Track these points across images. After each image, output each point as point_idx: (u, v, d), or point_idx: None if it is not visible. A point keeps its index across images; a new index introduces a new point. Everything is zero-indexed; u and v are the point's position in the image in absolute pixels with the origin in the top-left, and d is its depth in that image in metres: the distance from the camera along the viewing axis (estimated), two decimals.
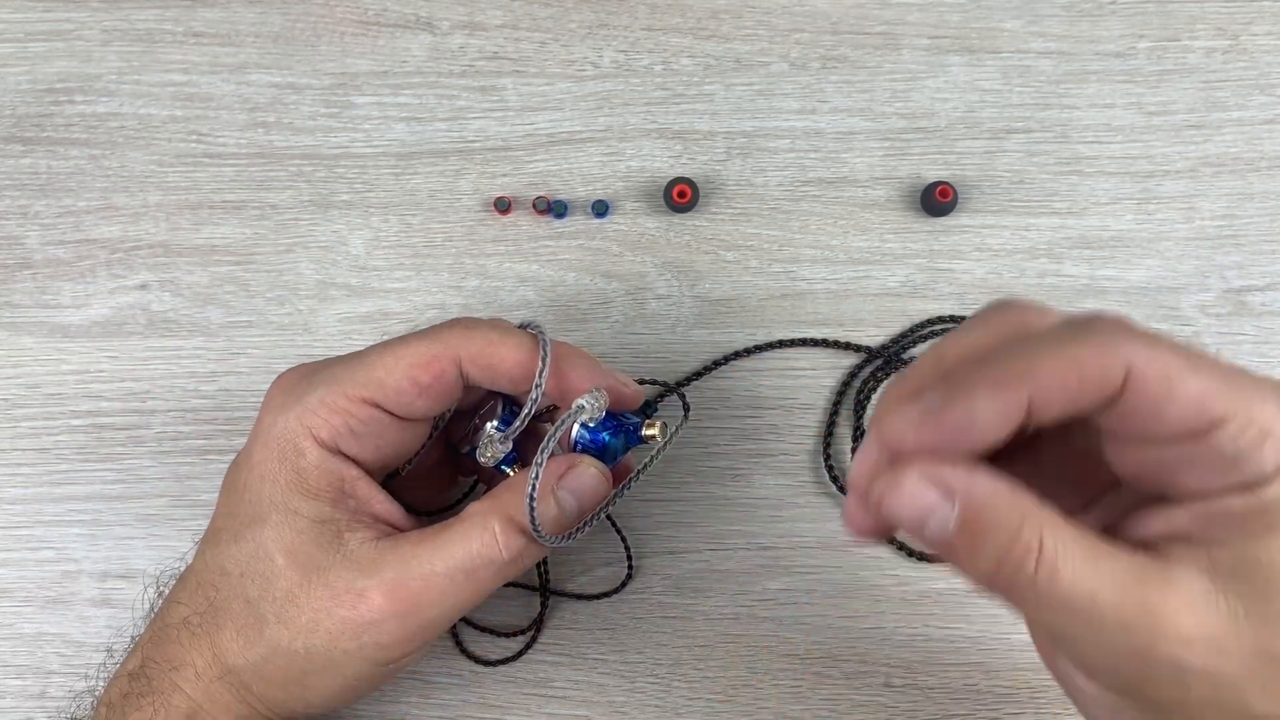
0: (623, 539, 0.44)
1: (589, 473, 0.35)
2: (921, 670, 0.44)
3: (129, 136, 0.48)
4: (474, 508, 0.34)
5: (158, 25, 0.49)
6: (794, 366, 0.46)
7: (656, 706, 0.44)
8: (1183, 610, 0.26)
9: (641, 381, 0.40)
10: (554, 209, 0.47)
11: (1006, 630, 0.44)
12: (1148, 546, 0.28)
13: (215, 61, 0.49)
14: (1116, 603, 0.26)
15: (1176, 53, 0.49)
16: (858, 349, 0.46)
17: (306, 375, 0.35)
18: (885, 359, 0.46)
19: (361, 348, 0.36)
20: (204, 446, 0.45)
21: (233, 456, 0.45)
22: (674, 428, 0.38)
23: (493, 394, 0.37)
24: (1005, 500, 0.26)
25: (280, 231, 0.47)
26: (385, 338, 0.37)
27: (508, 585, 0.44)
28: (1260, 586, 0.27)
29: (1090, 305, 0.46)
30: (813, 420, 0.46)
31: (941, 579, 0.45)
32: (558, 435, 0.33)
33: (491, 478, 0.40)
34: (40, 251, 0.47)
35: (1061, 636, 0.28)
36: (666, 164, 0.48)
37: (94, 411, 0.46)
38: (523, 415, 0.34)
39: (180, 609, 0.34)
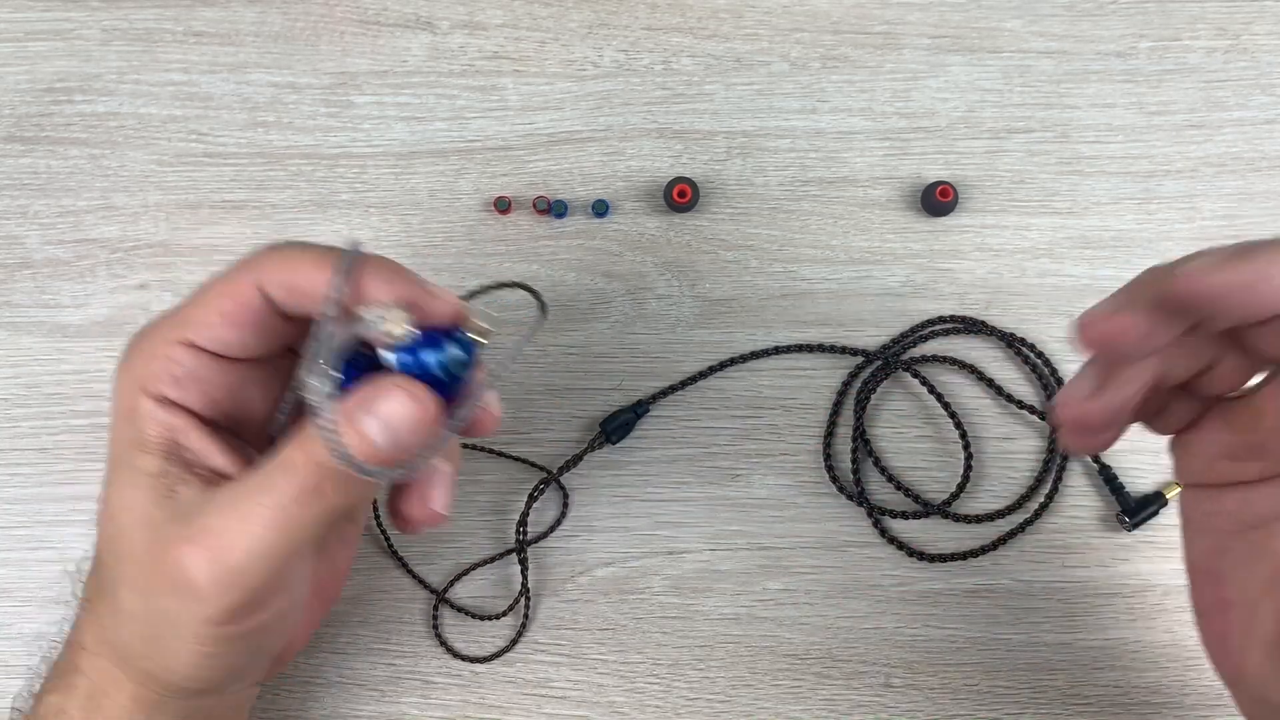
0: (561, 488, 0.44)
1: (396, 396, 0.29)
2: (921, 670, 0.44)
3: (129, 136, 0.48)
4: (286, 445, 0.31)
5: (157, 25, 0.49)
6: (794, 367, 0.46)
7: (656, 706, 0.44)
8: None
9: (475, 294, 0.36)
10: (554, 209, 0.47)
11: (1006, 630, 0.44)
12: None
13: (215, 61, 0.49)
14: None
15: (1177, 52, 0.49)
16: (855, 352, 0.46)
17: (139, 331, 0.33)
18: (885, 362, 0.46)
19: None
20: None
21: None
22: (528, 328, 0.33)
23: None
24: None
25: (280, 231, 0.47)
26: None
27: (487, 564, 0.44)
28: None
29: (1091, 305, 0.46)
30: (813, 421, 0.46)
31: (941, 579, 0.45)
32: (323, 350, 0.29)
33: None
34: (40, 251, 0.47)
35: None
36: (667, 164, 0.48)
37: (94, 411, 0.46)
38: (313, 333, 0.29)
39: (86, 588, 0.35)
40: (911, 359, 0.46)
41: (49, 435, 0.46)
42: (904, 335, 0.46)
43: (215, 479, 0.32)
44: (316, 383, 0.29)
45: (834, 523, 0.45)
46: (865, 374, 0.46)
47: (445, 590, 0.44)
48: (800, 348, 0.46)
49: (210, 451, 0.32)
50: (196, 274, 0.47)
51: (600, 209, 0.47)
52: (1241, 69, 0.49)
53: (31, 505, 0.45)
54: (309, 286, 0.31)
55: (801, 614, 0.44)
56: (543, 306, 0.33)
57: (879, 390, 0.46)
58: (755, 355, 0.46)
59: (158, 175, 0.48)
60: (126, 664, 0.33)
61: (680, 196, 0.46)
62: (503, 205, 0.47)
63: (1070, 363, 0.46)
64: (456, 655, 0.44)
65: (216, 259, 0.47)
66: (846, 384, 0.46)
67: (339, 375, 0.30)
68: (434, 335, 0.31)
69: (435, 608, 0.44)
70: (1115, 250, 0.47)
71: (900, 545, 0.45)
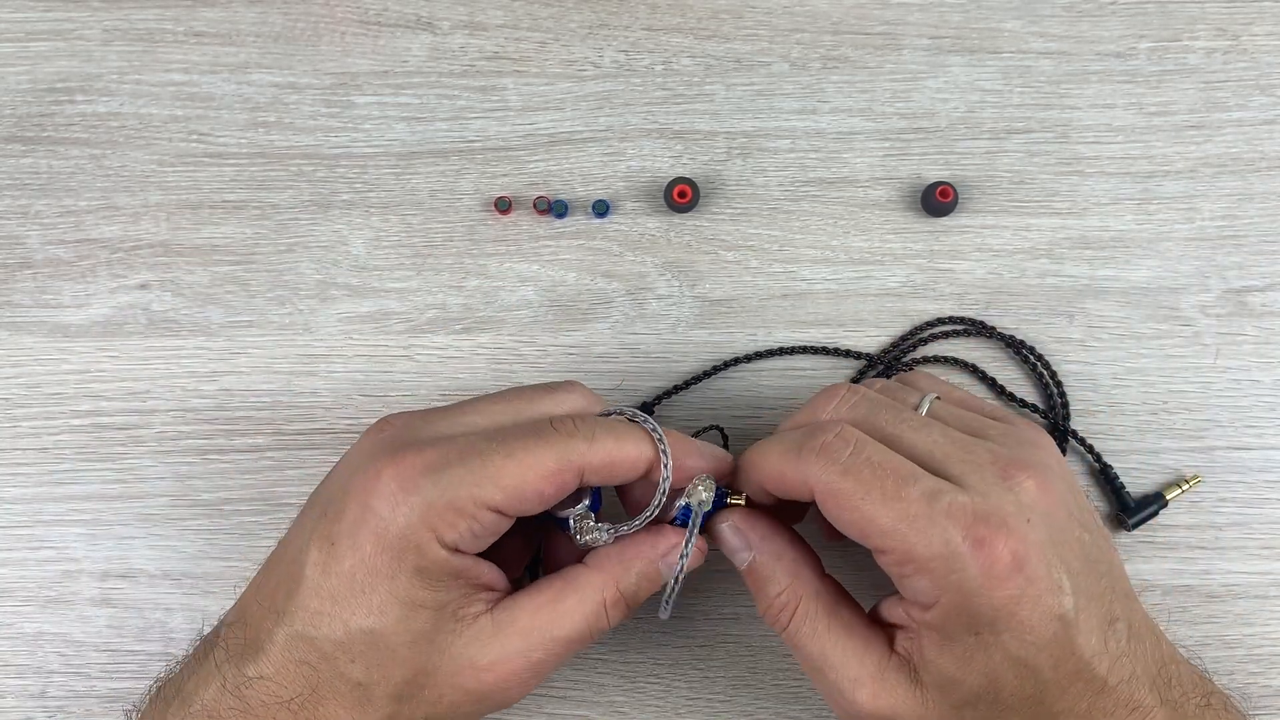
0: None
1: (698, 558, 0.37)
2: None
3: (129, 136, 0.48)
4: (585, 578, 0.36)
5: (158, 25, 0.49)
6: (795, 367, 0.46)
7: (656, 706, 0.44)
8: (883, 691, 0.34)
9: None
10: (554, 209, 0.47)
11: None
12: (890, 628, 0.35)
13: (216, 61, 0.49)
14: (837, 668, 0.34)
15: (1177, 53, 0.49)
16: (856, 356, 0.46)
17: (428, 468, 0.33)
18: (886, 365, 0.46)
19: (457, 413, 0.36)
20: (204, 446, 0.45)
21: (233, 457, 0.45)
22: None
23: None
24: (784, 564, 0.36)
25: (281, 231, 0.47)
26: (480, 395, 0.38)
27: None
28: (942, 683, 0.33)
29: (1091, 305, 0.47)
30: None
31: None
32: (694, 537, 0.36)
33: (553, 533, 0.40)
34: (41, 251, 0.47)
35: (808, 673, 0.36)
36: (667, 164, 0.48)
37: (94, 411, 0.46)
38: (643, 518, 0.36)
39: (269, 686, 0.33)
40: (912, 360, 0.46)
41: (49, 435, 0.46)
42: (904, 336, 0.46)
43: (489, 595, 0.35)
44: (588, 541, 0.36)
45: None
46: (866, 377, 0.46)
47: None
48: (803, 349, 0.46)
49: (482, 573, 0.35)
50: (197, 274, 0.47)
51: (600, 209, 0.47)
52: (1241, 69, 0.49)
53: (32, 505, 0.45)
54: (625, 473, 0.35)
55: None
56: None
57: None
58: (757, 356, 0.46)
59: (159, 175, 0.48)
60: None
61: (680, 197, 0.46)
62: (503, 205, 0.47)
63: (1070, 363, 0.46)
64: None
65: (217, 259, 0.47)
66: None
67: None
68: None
69: None
70: (1115, 250, 0.47)
71: None
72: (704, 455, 0.37)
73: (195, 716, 0.33)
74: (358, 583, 0.33)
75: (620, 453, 0.35)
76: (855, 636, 0.35)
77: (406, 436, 0.35)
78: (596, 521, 0.36)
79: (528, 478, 0.33)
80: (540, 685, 0.37)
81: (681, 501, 0.37)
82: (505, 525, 0.34)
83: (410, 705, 0.34)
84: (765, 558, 0.36)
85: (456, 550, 0.33)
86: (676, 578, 0.36)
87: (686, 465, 0.36)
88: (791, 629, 0.35)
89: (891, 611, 0.35)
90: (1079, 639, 0.32)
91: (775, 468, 0.35)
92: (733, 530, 0.37)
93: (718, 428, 0.45)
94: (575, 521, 0.36)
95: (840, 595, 0.36)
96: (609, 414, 0.37)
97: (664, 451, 0.35)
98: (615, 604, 0.36)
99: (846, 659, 0.34)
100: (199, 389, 0.46)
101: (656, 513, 0.36)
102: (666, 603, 0.37)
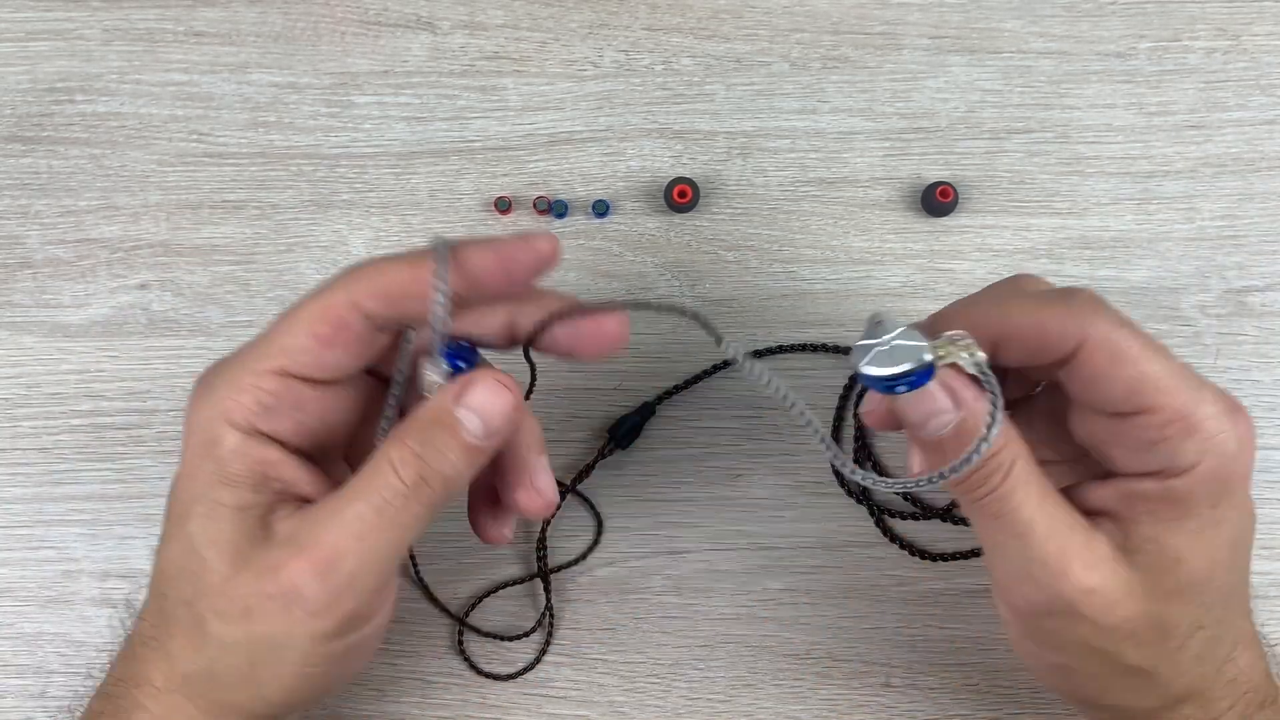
0: (590, 504, 0.44)
1: (487, 385, 0.31)
2: (921, 670, 0.44)
3: (129, 136, 0.48)
4: (380, 445, 0.32)
5: (158, 25, 0.49)
6: (795, 366, 0.46)
7: (656, 706, 0.44)
8: (1090, 568, 0.31)
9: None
10: (554, 209, 0.47)
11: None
12: (1088, 514, 0.32)
13: (216, 61, 0.49)
14: (1044, 539, 0.31)
15: (1177, 53, 0.49)
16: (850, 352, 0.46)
17: (217, 365, 0.33)
18: None
19: None
20: None
21: None
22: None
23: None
24: (1005, 425, 0.30)
25: (281, 231, 0.47)
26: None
27: (508, 586, 0.44)
28: (1157, 565, 0.31)
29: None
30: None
31: (941, 579, 0.45)
32: (439, 340, 0.31)
33: None
34: (40, 251, 0.47)
35: (994, 550, 0.33)
36: (667, 164, 0.48)
37: (94, 411, 0.46)
38: (434, 325, 0.31)
39: (142, 625, 0.34)
40: None
41: (49, 435, 0.46)
42: None
43: (306, 505, 0.32)
44: (434, 373, 0.31)
45: (834, 522, 0.45)
46: None
47: (467, 614, 0.44)
48: (802, 347, 0.46)
49: (300, 480, 0.33)
50: (197, 274, 0.47)
51: (600, 209, 0.47)
52: (1241, 69, 0.49)
53: (32, 505, 0.45)
54: (404, 290, 0.31)
55: (801, 614, 0.44)
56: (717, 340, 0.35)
57: None
58: (757, 354, 0.46)
59: (159, 175, 0.48)
60: (206, 698, 0.33)
61: (680, 197, 0.46)
62: (503, 205, 0.47)
63: None
64: (481, 673, 0.44)
65: (217, 259, 0.47)
66: (849, 384, 0.46)
67: (448, 369, 0.32)
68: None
69: (460, 633, 0.44)
70: (1115, 250, 0.47)
71: (904, 545, 0.45)
72: (527, 243, 0.32)
73: (107, 678, 0.35)
74: (179, 490, 0.33)
75: (389, 269, 0.31)
76: (1061, 507, 0.31)
77: (218, 360, 0.34)
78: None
79: (298, 324, 0.32)
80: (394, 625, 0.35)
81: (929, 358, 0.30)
82: (308, 393, 0.32)
83: (227, 624, 0.31)
84: (978, 418, 0.30)
85: (255, 432, 0.32)
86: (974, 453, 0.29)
87: (506, 257, 0.31)
88: (1004, 490, 0.31)
89: (1089, 497, 0.33)
90: (1249, 546, 0.33)
91: (1034, 316, 0.31)
92: (940, 389, 0.31)
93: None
94: (425, 383, 0.32)
95: (1036, 463, 0.32)
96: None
97: (441, 253, 0.31)
98: (404, 461, 0.31)
99: (1056, 528, 0.31)
100: None
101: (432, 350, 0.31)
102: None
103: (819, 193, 0.48)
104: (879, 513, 0.45)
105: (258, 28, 0.49)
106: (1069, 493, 0.33)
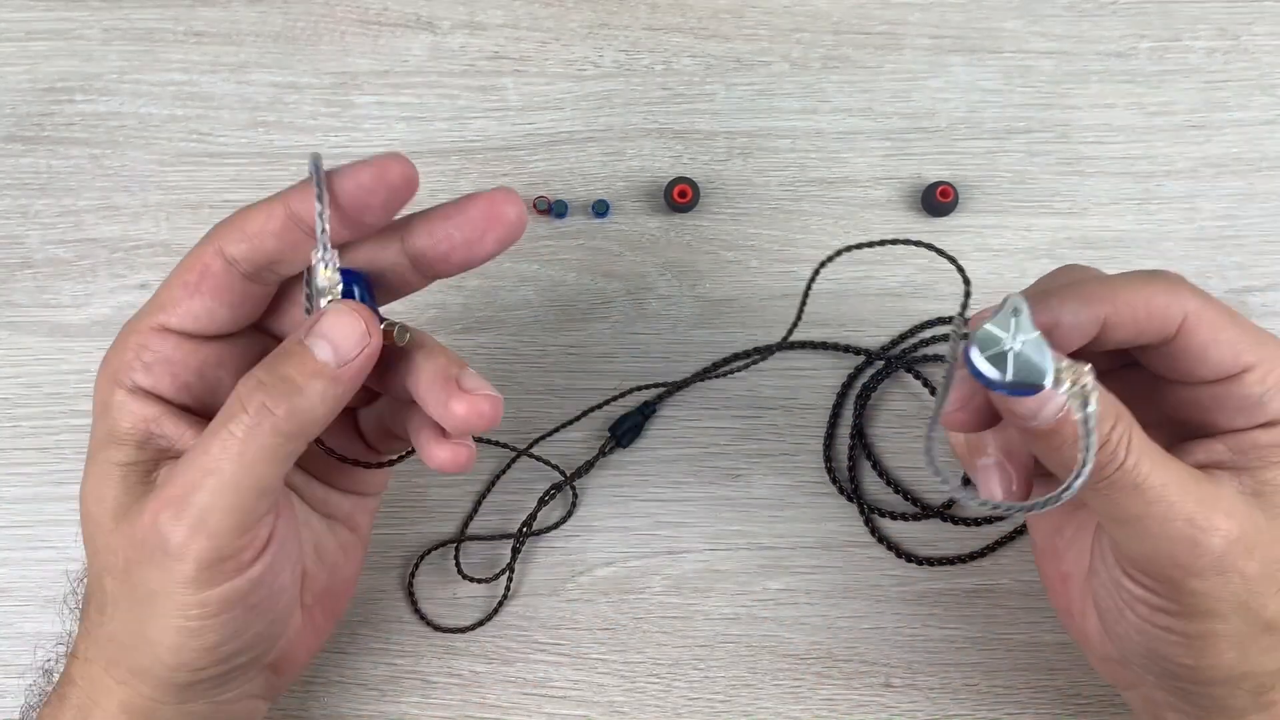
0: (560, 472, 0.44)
1: (333, 311, 0.30)
2: (921, 670, 0.44)
3: (129, 136, 0.48)
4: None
5: (158, 24, 0.49)
6: (795, 366, 0.46)
7: (656, 706, 0.44)
8: (1229, 513, 0.31)
9: None
10: (554, 209, 0.47)
11: (1006, 630, 0.44)
12: (1205, 468, 0.32)
13: (216, 61, 0.49)
14: (1181, 498, 0.30)
15: (1178, 53, 0.49)
16: (858, 351, 0.46)
17: (119, 332, 0.33)
18: (887, 361, 0.46)
19: None
20: None
21: None
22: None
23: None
24: (1105, 397, 0.30)
25: None
26: None
27: (479, 540, 0.44)
28: (1278, 504, 0.32)
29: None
30: (813, 420, 0.46)
31: (941, 579, 0.45)
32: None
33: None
34: (41, 251, 0.47)
35: (1127, 524, 0.31)
36: (667, 164, 0.48)
37: None
38: (323, 255, 0.30)
39: (83, 602, 0.34)
40: (914, 358, 0.46)
41: (49, 435, 0.46)
42: (904, 335, 0.46)
43: None
44: (324, 280, 0.30)
45: (834, 523, 0.45)
46: (866, 375, 0.46)
47: (425, 554, 0.44)
48: (803, 344, 0.46)
49: (185, 436, 0.32)
50: None
51: (600, 209, 0.47)
52: (1242, 69, 0.49)
53: (32, 505, 0.45)
54: (267, 228, 0.31)
55: (801, 614, 0.44)
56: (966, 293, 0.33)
57: (879, 390, 0.46)
58: (758, 352, 0.46)
59: (159, 175, 0.48)
60: (116, 665, 0.32)
61: (681, 196, 0.46)
62: None
63: None
64: (431, 625, 0.44)
65: None
66: (847, 384, 0.46)
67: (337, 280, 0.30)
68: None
69: (415, 565, 0.44)
70: (1116, 250, 0.47)
71: (891, 546, 0.45)
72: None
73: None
74: (88, 463, 0.33)
75: (251, 213, 0.31)
76: (1181, 465, 0.31)
77: None
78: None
79: (170, 280, 0.32)
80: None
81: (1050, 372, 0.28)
82: (189, 347, 0.32)
83: (115, 580, 0.31)
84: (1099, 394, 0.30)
85: (137, 390, 0.32)
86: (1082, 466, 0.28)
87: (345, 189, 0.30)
88: (1130, 461, 0.30)
89: (1198, 454, 0.33)
90: None
91: (1145, 295, 0.32)
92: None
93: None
94: (307, 292, 0.31)
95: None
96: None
97: (316, 172, 0.30)
98: (249, 391, 0.30)
99: (1187, 486, 0.31)
100: None
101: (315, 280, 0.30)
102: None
103: (819, 193, 0.48)
104: (868, 512, 0.45)
105: (258, 28, 0.49)
106: (1183, 446, 0.33)
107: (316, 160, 0.30)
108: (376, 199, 0.31)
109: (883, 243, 0.34)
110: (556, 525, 0.45)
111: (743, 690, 0.44)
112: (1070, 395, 0.28)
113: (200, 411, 0.33)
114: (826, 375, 0.46)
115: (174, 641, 0.31)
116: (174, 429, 0.32)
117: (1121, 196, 0.48)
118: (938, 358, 0.46)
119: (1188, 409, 0.34)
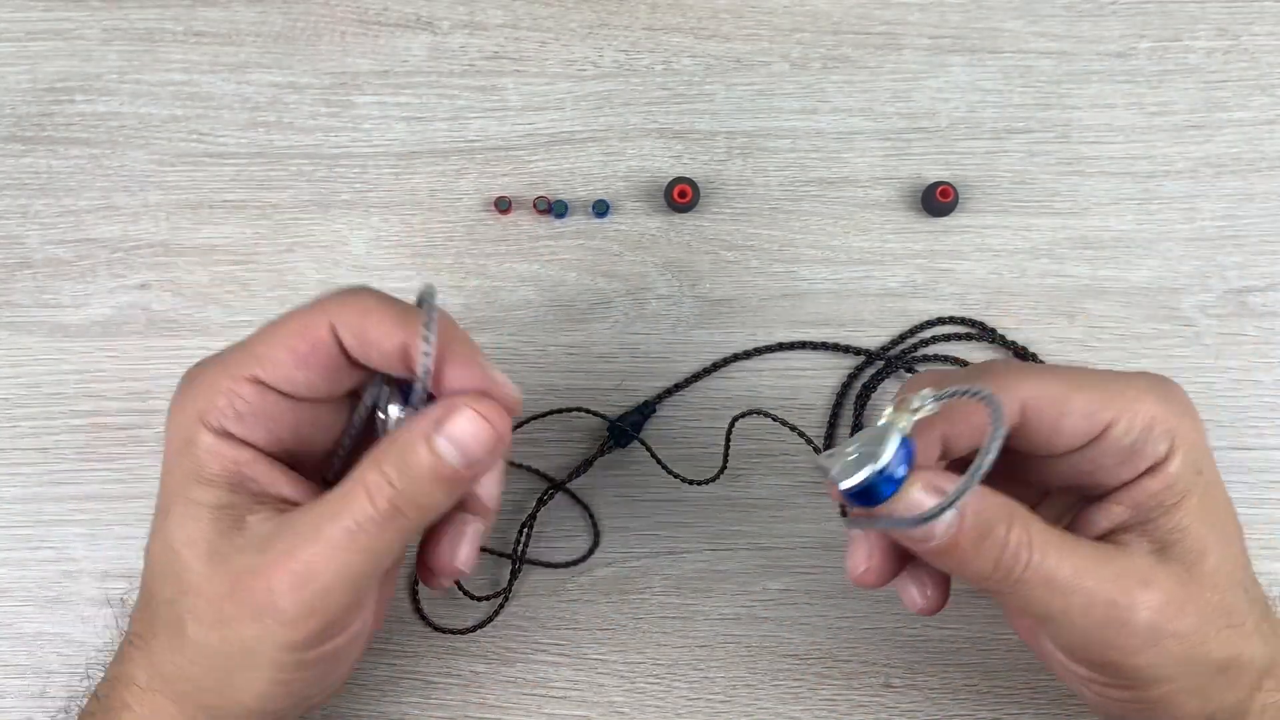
0: (586, 509, 0.44)
1: (467, 415, 0.30)
2: (921, 670, 0.44)
3: (129, 136, 0.48)
4: (358, 466, 0.31)
5: (158, 24, 0.49)
6: (794, 367, 0.46)
7: (656, 706, 0.44)
8: (1145, 582, 0.31)
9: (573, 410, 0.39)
10: (554, 209, 0.47)
11: (1006, 630, 0.44)
12: (1102, 538, 0.33)
13: (216, 61, 0.49)
14: (1096, 582, 0.30)
15: (1177, 53, 0.49)
16: (858, 351, 0.46)
17: (200, 365, 0.33)
18: (886, 360, 0.46)
19: None
20: None
21: None
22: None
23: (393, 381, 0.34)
24: (996, 501, 0.31)
25: (281, 231, 0.47)
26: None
27: (483, 551, 0.44)
28: (1191, 547, 0.32)
29: (1091, 306, 0.46)
30: (813, 420, 0.46)
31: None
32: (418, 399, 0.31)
33: None
34: (40, 251, 0.47)
35: (1050, 619, 0.31)
36: (667, 164, 0.48)
37: (94, 411, 0.46)
38: (416, 395, 0.31)
39: (132, 623, 0.34)
40: (913, 358, 0.46)
41: (49, 435, 0.46)
42: (904, 335, 0.46)
43: (285, 506, 0.32)
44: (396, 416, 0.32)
45: (834, 522, 0.45)
46: (866, 374, 0.46)
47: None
48: (803, 344, 0.46)
49: (279, 481, 0.33)
50: (197, 274, 0.47)
51: (600, 209, 0.47)
52: (1242, 69, 0.49)
53: (31, 505, 0.45)
54: (379, 342, 0.31)
55: (801, 614, 0.44)
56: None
57: (879, 389, 0.46)
58: (758, 352, 0.46)
59: (158, 175, 0.48)
60: (186, 699, 0.33)
61: (681, 196, 0.46)
62: (503, 205, 0.47)
63: (1071, 363, 0.46)
64: (431, 625, 0.44)
65: (217, 259, 0.47)
66: (846, 384, 0.46)
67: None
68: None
69: (415, 583, 0.44)
70: (1116, 250, 0.47)
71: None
72: (472, 366, 0.32)
73: (103, 680, 0.34)
74: (164, 496, 0.33)
75: (374, 313, 0.31)
76: (1084, 545, 0.31)
77: (204, 358, 0.34)
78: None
79: (275, 337, 0.32)
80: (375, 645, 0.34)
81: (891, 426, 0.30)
82: (281, 405, 0.32)
83: (204, 625, 0.31)
84: (977, 502, 0.30)
85: (230, 436, 0.32)
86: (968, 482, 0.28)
87: (446, 374, 0.32)
88: (1036, 561, 0.30)
89: (1097, 519, 0.33)
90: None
91: (973, 403, 0.30)
92: (930, 490, 0.30)
93: (761, 411, 0.44)
94: (388, 426, 0.32)
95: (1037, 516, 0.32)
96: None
97: (430, 322, 0.30)
98: (378, 485, 0.30)
99: (1100, 568, 0.30)
100: None
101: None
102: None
103: (819, 193, 0.48)
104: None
105: (258, 28, 0.49)
106: (1076, 525, 0.34)
107: (429, 298, 0.31)
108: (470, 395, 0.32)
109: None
110: (572, 564, 0.45)
111: (743, 690, 0.44)
112: (914, 416, 0.30)
113: (289, 460, 0.34)
114: (826, 375, 0.46)
115: (262, 690, 0.32)
116: (265, 474, 0.32)
117: (1121, 196, 0.48)
118: (938, 357, 0.46)
119: (1075, 475, 0.34)
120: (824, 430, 0.46)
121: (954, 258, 0.47)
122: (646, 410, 0.45)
